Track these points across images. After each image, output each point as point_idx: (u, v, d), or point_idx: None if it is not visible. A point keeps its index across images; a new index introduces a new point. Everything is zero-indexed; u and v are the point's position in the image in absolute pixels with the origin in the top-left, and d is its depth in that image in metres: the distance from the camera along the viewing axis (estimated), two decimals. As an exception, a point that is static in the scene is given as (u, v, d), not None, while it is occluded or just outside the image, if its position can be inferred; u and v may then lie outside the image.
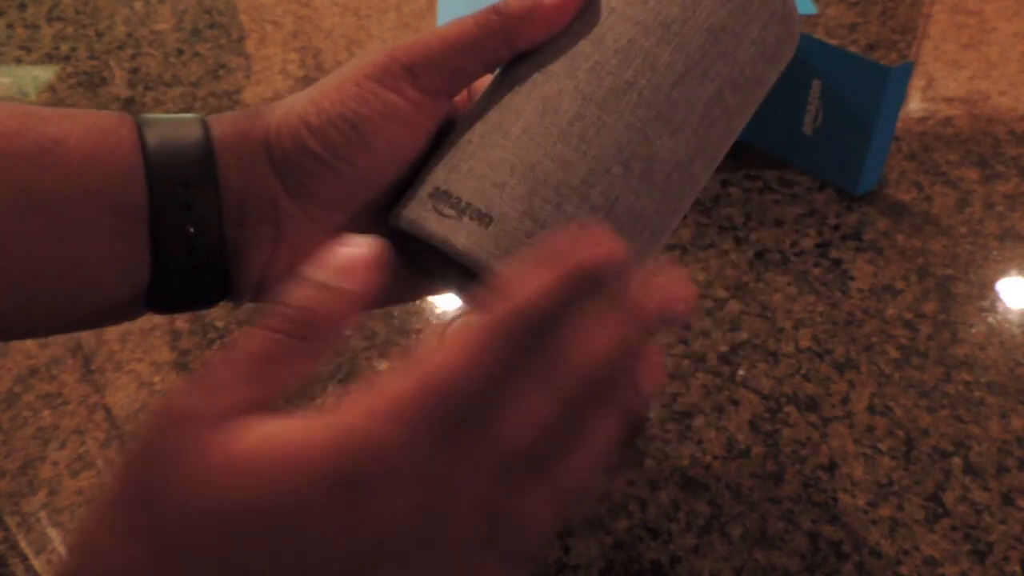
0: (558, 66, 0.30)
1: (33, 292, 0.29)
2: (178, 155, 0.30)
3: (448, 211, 0.30)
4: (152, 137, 0.30)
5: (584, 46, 0.30)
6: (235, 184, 0.31)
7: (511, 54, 0.31)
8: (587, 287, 0.24)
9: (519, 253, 0.29)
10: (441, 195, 0.30)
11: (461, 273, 0.30)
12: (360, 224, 0.33)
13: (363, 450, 0.22)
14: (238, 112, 0.32)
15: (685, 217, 0.59)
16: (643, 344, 0.26)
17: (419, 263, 0.34)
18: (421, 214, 0.30)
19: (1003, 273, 0.54)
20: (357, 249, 0.25)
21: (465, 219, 0.29)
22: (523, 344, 0.23)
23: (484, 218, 0.29)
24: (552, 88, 0.30)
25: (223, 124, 0.31)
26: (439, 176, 0.31)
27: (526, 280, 0.24)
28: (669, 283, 0.26)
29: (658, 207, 0.30)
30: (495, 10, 0.31)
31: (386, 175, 0.32)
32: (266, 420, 0.23)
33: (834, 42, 0.74)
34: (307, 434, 0.22)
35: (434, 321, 0.53)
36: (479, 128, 0.31)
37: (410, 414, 0.22)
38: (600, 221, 0.29)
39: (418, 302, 0.55)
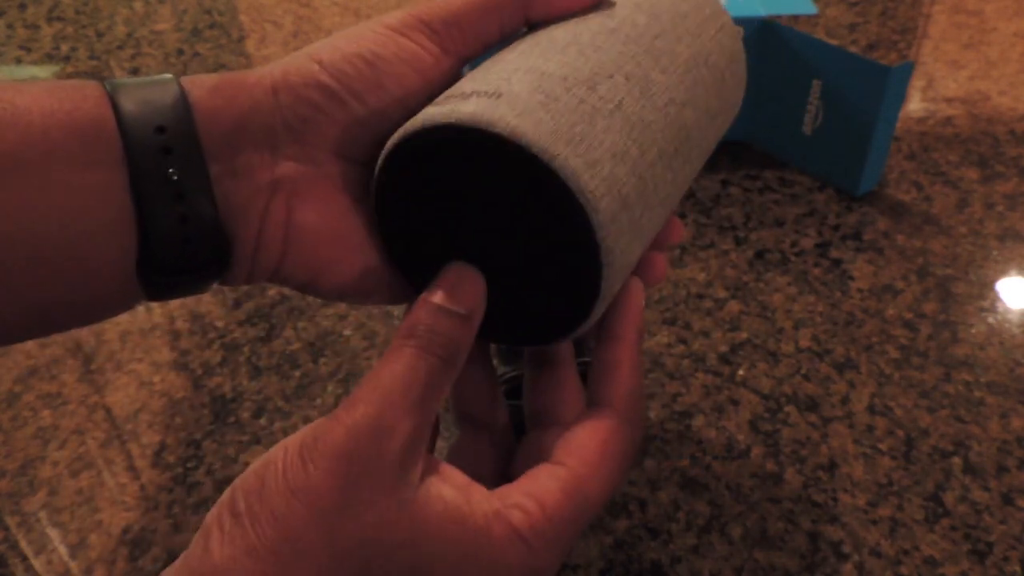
0: (549, 28, 0.32)
1: (11, 269, 0.27)
2: (150, 101, 0.29)
3: (451, 97, 0.29)
4: (120, 90, 0.29)
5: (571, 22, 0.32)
6: (222, 127, 0.29)
7: (524, 22, 0.33)
8: None
9: (537, 119, 0.27)
10: (440, 101, 0.29)
11: (467, 213, 0.29)
12: (358, 175, 0.32)
13: (535, 572, 0.28)
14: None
15: (684, 216, 0.59)
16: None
17: (413, 261, 0.32)
18: (419, 115, 0.29)
19: (1003, 273, 0.54)
20: (472, 275, 0.29)
21: (473, 98, 0.28)
22: (636, 446, 0.31)
23: (493, 95, 0.28)
24: (545, 35, 0.31)
25: (201, 79, 0.30)
26: (436, 102, 0.30)
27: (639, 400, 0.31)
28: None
29: (663, 130, 0.31)
30: None
31: (392, 121, 0.31)
32: (441, 485, 0.27)
33: (834, 42, 0.74)
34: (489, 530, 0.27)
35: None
36: (475, 71, 0.31)
37: (565, 532, 0.28)
38: (611, 114, 0.29)
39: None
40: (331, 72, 0.30)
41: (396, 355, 0.27)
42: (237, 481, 0.26)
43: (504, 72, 0.29)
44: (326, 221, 0.32)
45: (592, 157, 0.27)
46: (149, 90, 0.29)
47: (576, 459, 0.29)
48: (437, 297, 0.28)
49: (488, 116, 0.27)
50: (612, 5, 0.33)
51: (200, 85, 0.30)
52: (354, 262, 0.32)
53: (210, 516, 0.26)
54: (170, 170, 0.28)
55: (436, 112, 0.28)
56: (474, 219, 0.29)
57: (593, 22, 0.32)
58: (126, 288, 0.29)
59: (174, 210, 0.28)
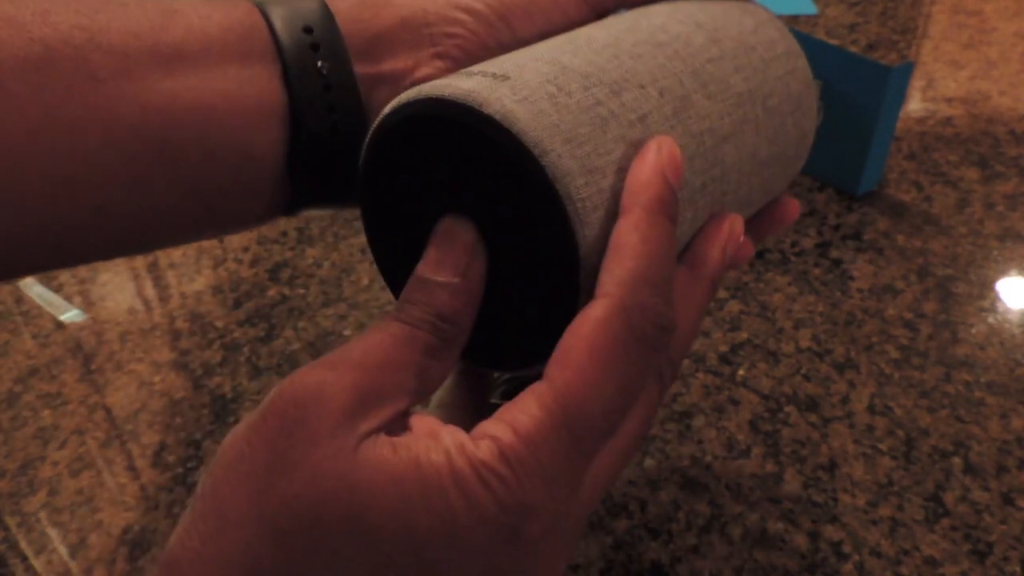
0: (592, 27, 0.30)
1: (180, 150, 0.28)
2: (296, 8, 0.31)
3: (459, 73, 0.26)
4: (268, 2, 0.31)
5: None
6: (366, 34, 0.31)
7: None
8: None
9: (539, 109, 0.24)
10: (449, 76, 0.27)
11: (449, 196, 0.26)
12: None
13: (517, 510, 0.23)
14: None
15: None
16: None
17: (391, 255, 0.30)
18: (417, 87, 0.26)
19: (1003, 273, 0.54)
20: (462, 239, 0.26)
21: (478, 76, 0.25)
22: (647, 342, 0.24)
23: (499, 77, 0.25)
24: (584, 33, 0.30)
25: None
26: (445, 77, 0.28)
27: (645, 258, 0.24)
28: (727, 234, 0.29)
29: (691, 159, 0.28)
30: None
31: None
32: (399, 435, 0.24)
33: (834, 42, 0.74)
34: (453, 478, 0.22)
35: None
36: (503, 56, 0.29)
37: (550, 454, 0.23)
38: (630, 125, 0.26)
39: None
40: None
41: (373, 329, 0.25)
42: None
43: (523, 59, 0.26)
44: None
45: (593, 164, 0.24)
46: (294, 2, 0.31)
47: (559, 367, 0.24)
48: (423, 268, 0.26)
49: (484, 95, 0.24)
50: (672, 18, 0.30)
51: (344, 1, 0.32)
52: None
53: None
54: (319, 64, 0.30)
55: (433, 85, 0.25)
56: (457, 208, 0.26)
57: (642, 31, 0.29)
58: (278, 187, 0.31)
59: (323, 100, 0.30)
